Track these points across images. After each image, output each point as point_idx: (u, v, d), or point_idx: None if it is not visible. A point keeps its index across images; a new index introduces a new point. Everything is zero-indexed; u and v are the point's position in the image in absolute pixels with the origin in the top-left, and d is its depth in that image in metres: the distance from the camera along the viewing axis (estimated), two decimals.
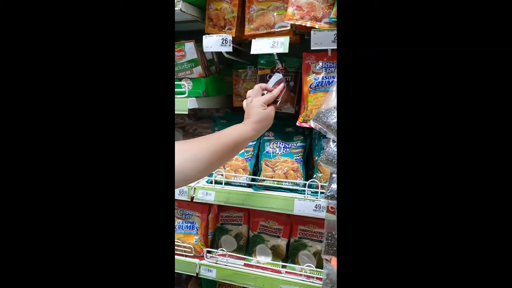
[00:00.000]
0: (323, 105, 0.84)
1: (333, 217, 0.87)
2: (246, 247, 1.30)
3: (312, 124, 0.86)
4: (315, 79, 1.08)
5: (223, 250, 1.24)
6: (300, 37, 1.16)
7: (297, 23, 1.01)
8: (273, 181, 1.16)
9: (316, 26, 1.00)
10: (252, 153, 1.25)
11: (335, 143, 0.83)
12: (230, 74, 1.39)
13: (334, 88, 0.84)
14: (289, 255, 1.23)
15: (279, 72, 1.09)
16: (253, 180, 1.20)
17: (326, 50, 1.05)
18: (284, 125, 1.27)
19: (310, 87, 1.09)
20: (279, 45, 1.02)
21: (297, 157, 1.18)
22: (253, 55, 1.10)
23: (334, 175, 0.83)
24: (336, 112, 0.81)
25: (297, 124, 1.10)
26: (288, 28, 1.07)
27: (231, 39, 1.08)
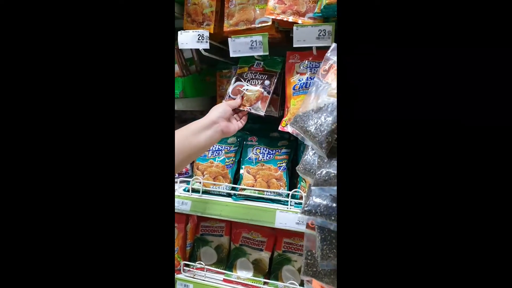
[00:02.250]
0: (301, 107, 0.74)
1: (313, 233, 0.78)
2: (227, 260, 1.21)
3: (289, 129, 0.77)
4: (299, 80, 0.99)
5: (201, 264, 1.15)
6: (284, 34, 1.07)
7: (278, 17, 0.92)
8: (254, 190, 1.07)
9: (299, 22, 0.91)
10: (233, 159, 1.16)
11: (314, 151, 0.74)
12: (213, 74, 1.30)
13: (313, 89, 0.75)
14: (272, 270, 1.14)
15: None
16: (233, 188, 1.11)
17: (311, 48, 0.96)
18: (268, 129, 1.19)
19: (293, 89, 1.00)
20: (258, 45, 0.93)
21: (281, 164, 1.09)
22: None
23: (313, 188, 0.74)
24: (314, 115, 0.72)
25: (279, 128, 1.01)
26: (269, 23, 0.98)
27: (208, 35, 0.99)
